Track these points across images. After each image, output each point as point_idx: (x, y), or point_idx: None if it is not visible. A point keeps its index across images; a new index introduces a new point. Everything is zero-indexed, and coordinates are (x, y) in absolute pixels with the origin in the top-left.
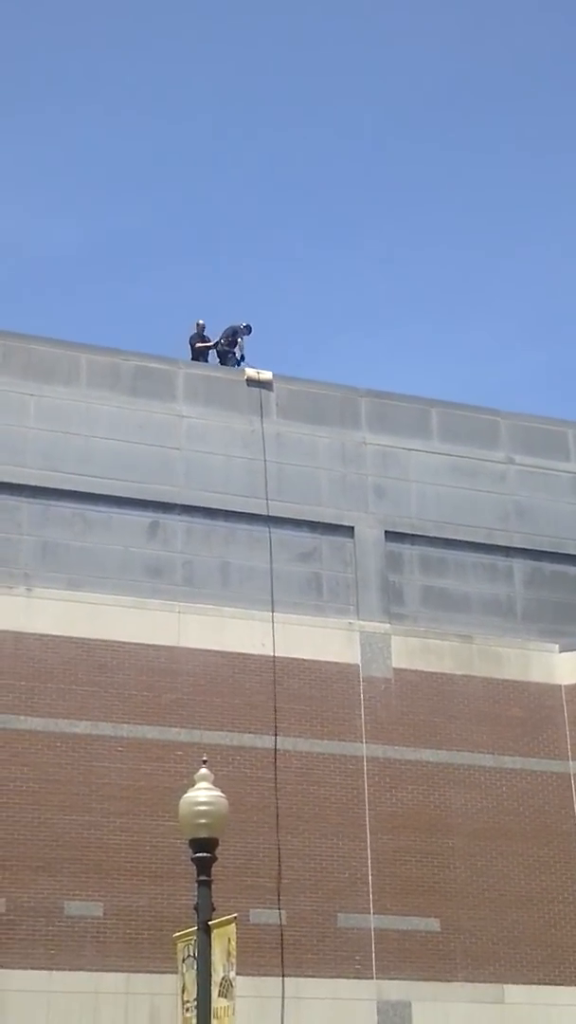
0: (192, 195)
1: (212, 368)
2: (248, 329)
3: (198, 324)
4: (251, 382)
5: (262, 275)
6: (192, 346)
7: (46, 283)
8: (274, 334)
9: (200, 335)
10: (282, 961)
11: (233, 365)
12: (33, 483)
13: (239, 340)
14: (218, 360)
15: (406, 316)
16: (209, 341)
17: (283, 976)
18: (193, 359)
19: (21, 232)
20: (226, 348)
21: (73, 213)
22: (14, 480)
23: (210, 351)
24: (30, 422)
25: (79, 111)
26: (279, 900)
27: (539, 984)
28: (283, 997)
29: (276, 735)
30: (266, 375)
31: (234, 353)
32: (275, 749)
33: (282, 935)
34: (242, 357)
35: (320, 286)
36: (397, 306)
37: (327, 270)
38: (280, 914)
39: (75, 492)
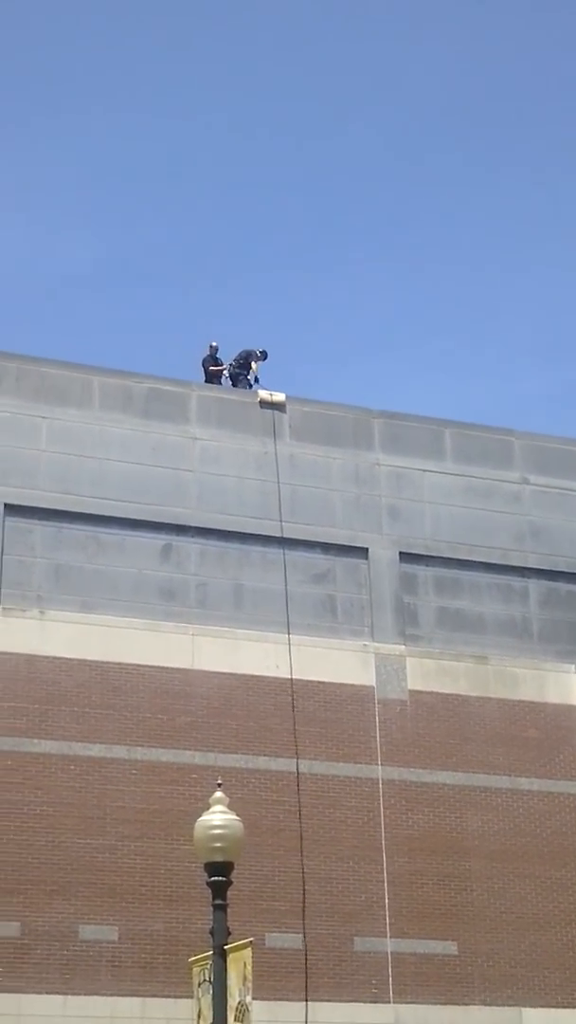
0: (206, 216)
1: (225, 390)
2: (264, 355)
3: (211, 346)
4: (264, 404)
5: (275, 296)
6: (205, 368)
7: (57, 303)
8: (287, 356)
9: (213, 357)
10: (306, 985)
11: (245, 388)
12: (46, 506)
13: (252, 364)
14: (230, 383)
15: (419, 337)
16: (222, 364)
17: (306, 1000)
18: (206, 381)
19: (32, 251)
20: (238, 371)
21: (85, 232)
22: (27, 503)
23: (223, 374)
24: (43, 445)
25: (92, 129)
26: (299, 924)
27: (558, 1007)
28: (307, 1022)
29: (297, 758)
30: (279, 397)
31: (246, 376)
32: (297, 772)
33: (305, 959)
34: (256, 380)
35: (333, 307)
36: (410, 327)
37: (341, 291)
38: (297, 938)
39: (88, 515)
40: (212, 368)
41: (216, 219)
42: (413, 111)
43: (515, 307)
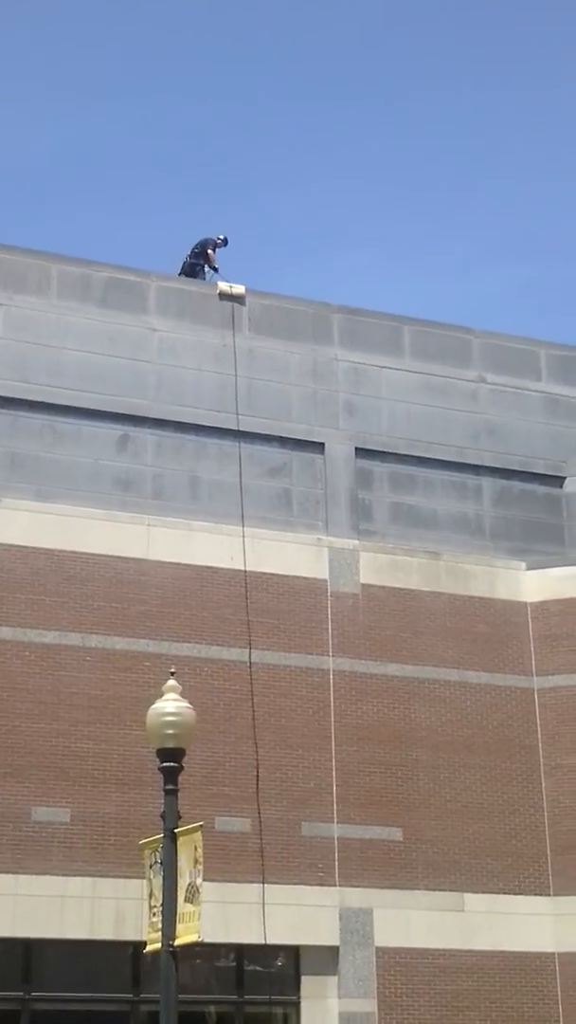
0: (166, 106)
1: (184, 281)
2: (225, 241)
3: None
4: (223, 296)
5: (236, 188)
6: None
7: (16, 189)
8: (247, 248)
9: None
10: (263, 868)
11: (202, 279)
12: (2, 394)
13: (210, 252)
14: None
15: (381, 231)
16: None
17: (263, 883)
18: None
19: None
20: (193, 262)
21: (46, 117)
22: None
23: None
24: None
25: (51, 20)
26: (248, 808)
27: (498, 893)
28: (263, 903)
29: (250, 648)
30: (239, 289)
31: (203, 266)
32: (249, 662)
33: (261, 842)
34: (215, 269)
35: (294, 200)
36: (370, 222)
37: (301, 184)
38: (245, 822)
39: (45, 404)
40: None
41: (178, 107)
42: (375, 7)
43: (478, 203)
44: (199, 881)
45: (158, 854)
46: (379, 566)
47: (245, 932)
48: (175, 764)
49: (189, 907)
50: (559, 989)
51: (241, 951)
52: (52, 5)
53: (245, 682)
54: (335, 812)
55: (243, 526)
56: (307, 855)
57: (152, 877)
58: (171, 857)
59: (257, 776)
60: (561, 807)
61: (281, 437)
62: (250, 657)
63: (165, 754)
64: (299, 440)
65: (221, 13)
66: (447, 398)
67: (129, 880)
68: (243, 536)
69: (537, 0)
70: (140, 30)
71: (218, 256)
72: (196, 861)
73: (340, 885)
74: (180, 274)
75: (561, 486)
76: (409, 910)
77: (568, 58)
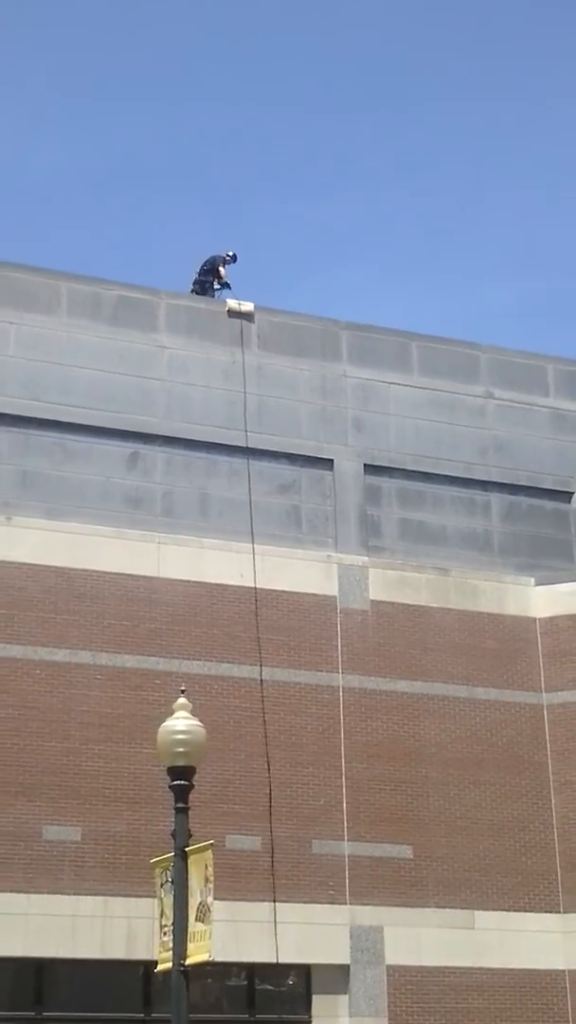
0: (177, 123)
1: (194, 299)
2: (234, 258)
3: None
4: (232, 313)
5: (242, 205)
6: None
7: (26, 207)
8: (254, 265)
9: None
10: (273, 886)
11: (211, 296)
12: (13, 412)
13: (220, 269)
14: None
15: (387, 248)
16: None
17: (274, 901)
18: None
19: (1, 155)
20: (203, 279)
21: (56, 136)
22: None
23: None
24: (10, 350)
25: (60, 36)
26: (258, 826)
27: (509, 911)
28: (274, 922)
29: (261, 665)
30: (247, 307)
31: (211, 283)
32: (261, 680)
33: (272, 860)
34: (227, 285)
35: (301, 216)
36: (378, 238)
37: (307, 199)
38: (256, 840)
39: (55, 422)
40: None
41: (184, 124)
42: (379, 18)
43: (485, 218)
44: (210, 900)
45: (169, 873)
46: (388, 582)
47: (256, 951)
48: (185, 782)
49: (200, 926)
50: (569, 1007)
51: (252, 970)
52: (56, 21)
53: (255, 699)
54: (345, 830)
55: (253, 543)
56: (318, 873)
57: (163, 896)
58: (182, 875)
59: (269, 794)
60: (571, 824)
61: (290, 454)
62: (260, 674)
63: (175, 772)
64: (308, 457)
65: (225, 29)
66: (455, 414)
67: (140, 899)
68: (253, 553)
69: (542, 13)
70: (147, 46)
71: (227, 272)
72: (207, 880)
73: (351, 903)
74: (192, 292)
75: (569, 501)
76: (420, 928)
77: (574, 71)
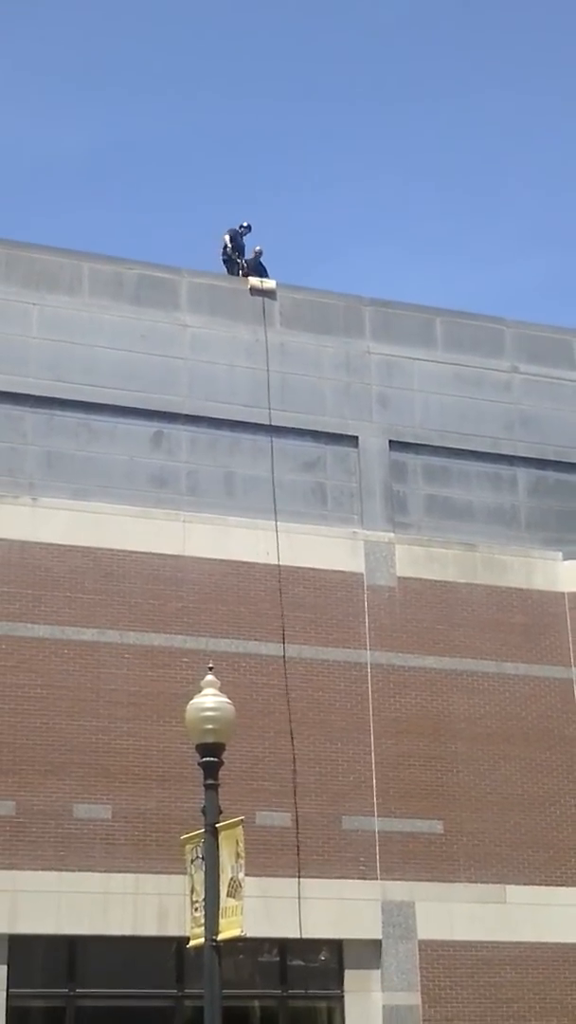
0: (198, 102)
1: (216, 277)
2: (248, 228)
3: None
4: (255, 291)
5: (265, 185)
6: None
7: (48, 188)
8: (278, 244)
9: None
10: (298, 863)
11: (237, 273)
12: (37, 393)
13: (227, 239)
14: (240, 269)
15: (411, 223)
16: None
17: (299, 877)
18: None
19: (23, 135)
20: (228, 256)
21: (76, 116)
22: (18, 390)
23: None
24: (33, 332)
25: (84, 15)
26: (288, 803)
27: (540, 885)
28: (304, 898)
29: (285, 642)
30: (270, 284)
31: (236, 260)
32: (284, 656)
33: (297, 836)
34: (259, 264)
35: (324, 195)
36: (399, 214)
37: (330, 179)
38: (286, 816)
39: (79, 402)
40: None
41: (208, 108)
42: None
43: (508, 193)
44: (241, 876)
45: (199, 849)
46: (415, 559)
47: (288, 926)
48: (215, 759)
49: (232, 902)
50: None
51: (284, 945)
52: (81, 2)
53: (283, 677)
54: (375, 805)
55: (277, 520)
56: (348, 849)
57: (194, 872)
58: (212, 852)
59: (295, 770)
60: None
61: (314, 431)
62: (286, 651)
63: (205, 749)
64: (332, 434)
65: (249, 12)
66: (480, 389)
67: (171, 876)
68: (277, 531)
69: None
70: (172, 27)
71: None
72: (238, 856)
73: (382, 879)
74: (226, 267)
75: None
76: (451, 903)
77: None
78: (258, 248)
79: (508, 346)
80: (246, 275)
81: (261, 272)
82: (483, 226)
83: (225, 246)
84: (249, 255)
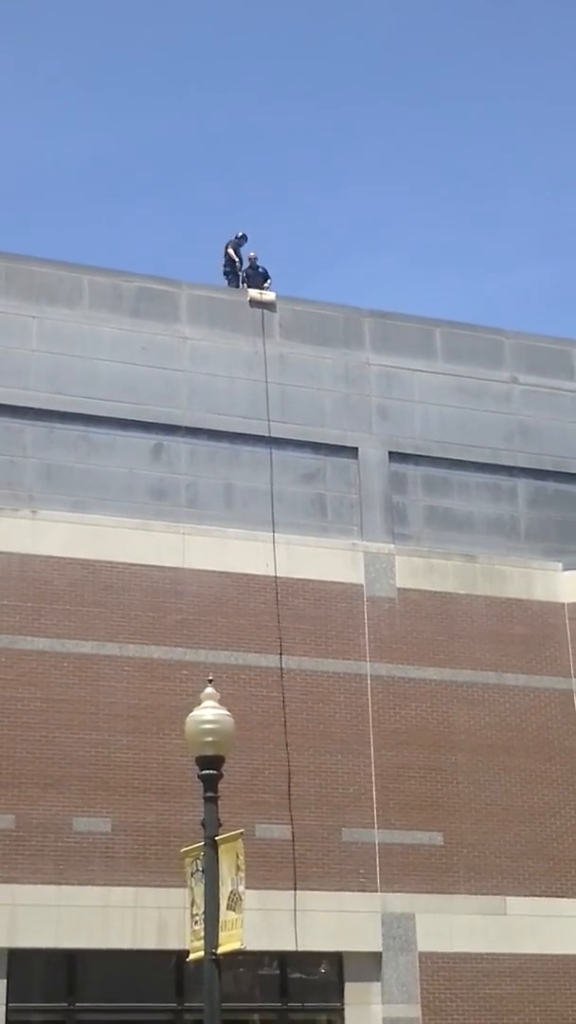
0: (198, 115)
1: (215, 289)
2: (244, 238)
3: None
4: (254, 303)
5: (265, 194)
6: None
7: (47, 201)
8: (277, 254)
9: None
10: (294, 875)
11: (238, 285)
12: (36, 405)
13: (229, 251)
14: (226, 283)
15: (410, 235)
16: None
17: (295, 890)
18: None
19: (22, 148)
20: (227, 270)
21: (76, 129)
22: (17, 403)
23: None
24: (32, 344)
25: (83, 27)
26: (287, 815)
27: (540, 896)
28: (303, 910)
29: (283, 654)
30: (269, 296)
31: (238, 272)
32: (281, 668)
33: (293, 849)
34: (257, 269)
35: (323, 205)
36: (399, 224)
37: (331, 188)
38: (286, 829)
39: (79, 414)
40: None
41: (208, 118)
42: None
43: (508, 204)
44: (241, 888)
45: (199, 862)
46: (415, 570)
47: (287, 939)
48: (214, 772)
49: (232, 915)
50: None
51: (284, 958)
52: (78, 12)
53: (282, 689)
54: (375, 817)
55: (275, 533)
56: (348, 861)
57: (194, 885)
58: (212, 864)
59: (295, 783)
60: None
61: (314, 443)
62: (285, 663)
63: (204, 762)
64: (332, 445)
65: (252, 19)
66: (480, 400)
67: (171, 889)
68: (275, 543)
69: (571, 3)
70: (170, 38)
71: (242, 253)
72: (238, 868)
73: (382, 891)
74: (227, 279)
75: None
76: (451, 915)
77: None
78: (252, 254)
79: (508, 357)
80: (250, 285)
81: (261, 277)
82: (483, 236)
83: (231, 260)
84: (246, 264)
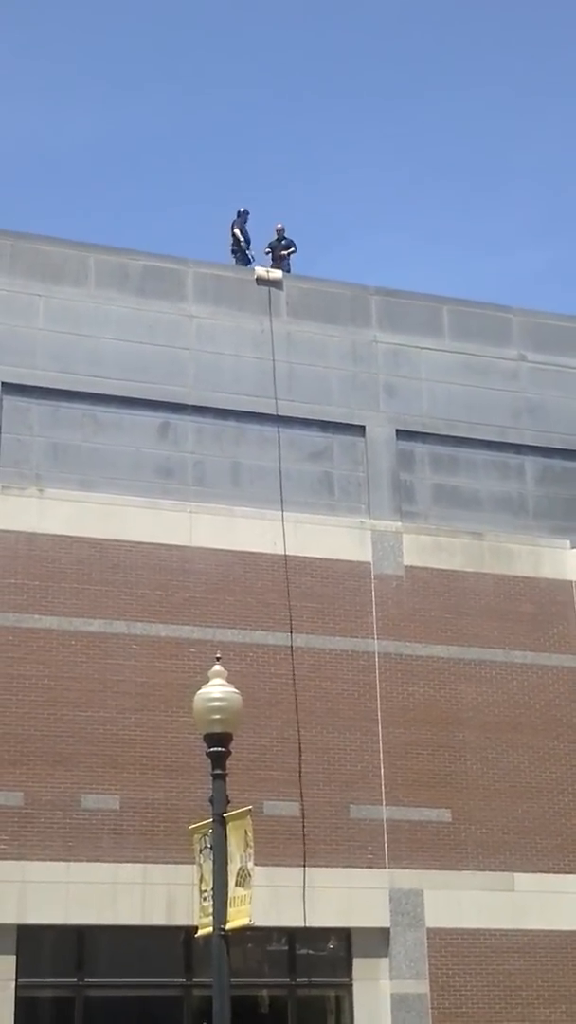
0: (203, 93)
1: (222, 267)
2: (247, 213)
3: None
4: (261, 281)
5: (270, 173)
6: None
7: (54, 180)
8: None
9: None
10: (304, 851)
11: (247, 264)
12: (43, 384)
13: (235, 231)
14: (234, 261)
15: (418, 212)
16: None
17: (304, 866)
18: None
19: (28, 127)
20: (239, 247)
21: (81, 108)
22: (24, 382)
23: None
24: (39, 323)
25: (88, 6)
26: (296, 792)
27: (548, 872)
28: (312, 887)
29: (293, 632)
30: (276, 274)
31: (246, 251)
32: (291, 646)
33: (303, 826)
34: (242, 241)
35: (330, 184)
36: (406, 203)
37: (338, 167)
38: (294, 806)
39: (85, 393)
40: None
41: (213, 97)
42: None
43: (515, 181)
44: (250, 865)
45: (208, 839)
46: (422, 548)
47: (296, 915)
48: (222, 749)
49: (240, 891)
50: None
51: (292, 935)
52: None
53: (290, 666)
54: (383, 794)
55: (283, 511)
56: (356, 837)
57: (202, 862)
58: (220, 841)
59: (303, 760)
60: None
61: (321, 421)
62: (294, 641)
63: (212, 739)
64: (339, 423)
65: (258, 2)
66: (487, 378)
67: (180, 866)
68: (283, 520)
69: None
70: (178, 16)
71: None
72: (247, 845)
73: (390, 867)
74: (235, 259)
75: None
76: (459, 891)
77: None
78: (279, 225)
79: (515, 334)
80: (276, 256)
81: (285, 247)
82: (490, 214)
83: (240, 240)
84: (272, 237)
